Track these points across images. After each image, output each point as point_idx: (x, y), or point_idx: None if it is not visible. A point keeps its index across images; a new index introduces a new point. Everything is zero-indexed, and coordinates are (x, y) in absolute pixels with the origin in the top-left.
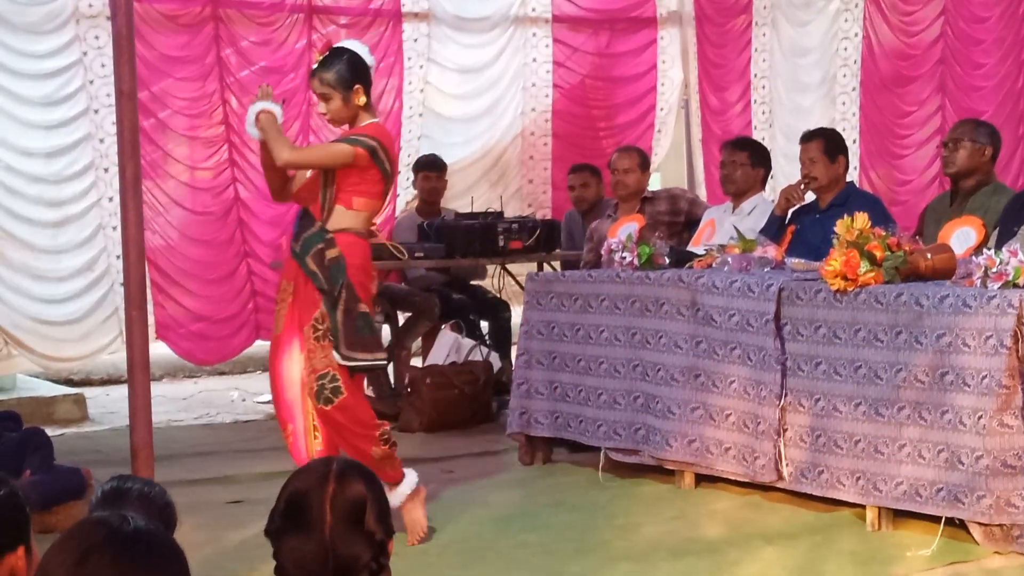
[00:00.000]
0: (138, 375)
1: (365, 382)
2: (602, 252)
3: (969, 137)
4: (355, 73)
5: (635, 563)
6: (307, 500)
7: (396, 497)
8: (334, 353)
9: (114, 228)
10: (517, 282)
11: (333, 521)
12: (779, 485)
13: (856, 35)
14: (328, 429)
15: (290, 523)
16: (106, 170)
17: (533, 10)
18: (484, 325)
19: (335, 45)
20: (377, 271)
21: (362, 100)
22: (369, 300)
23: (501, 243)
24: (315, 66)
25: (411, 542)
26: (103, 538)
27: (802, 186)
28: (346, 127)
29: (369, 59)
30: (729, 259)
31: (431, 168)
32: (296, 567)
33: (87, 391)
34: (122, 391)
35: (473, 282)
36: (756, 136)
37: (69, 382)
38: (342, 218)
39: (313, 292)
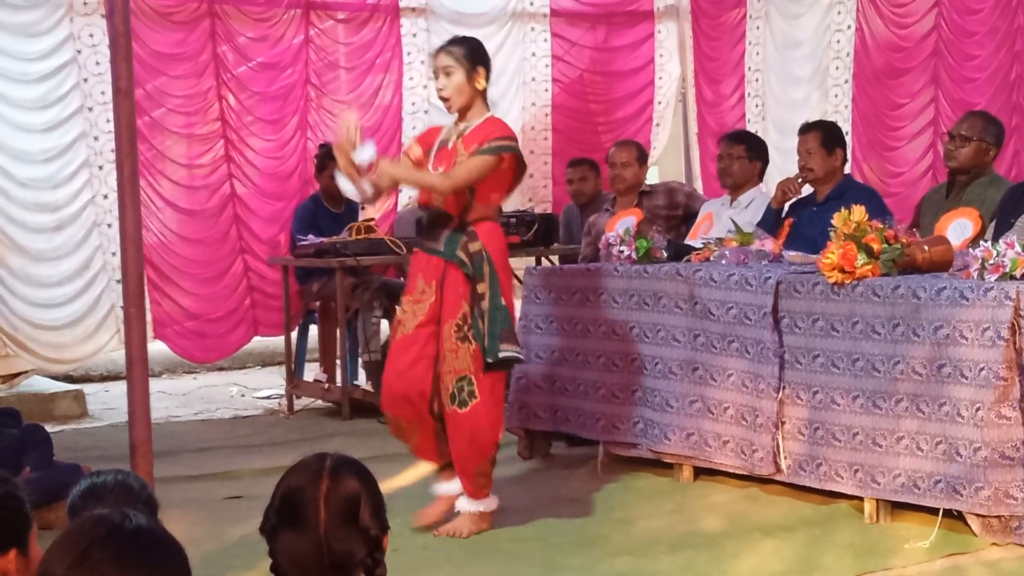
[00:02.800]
0: (137, 372)
1: (428, 381)
2: (600, 246)
3: (978, 136)
4: (480, 56)
5: (634, 556)
6: (301, 497)
7: (469, 505)
8: (484, 353)
9: (109, 225)
10: (515, 276)
11: (327, 518)
12: (777, 478)
13: (849, 27)
14: (450, 431)
15: (285, 520)
16: (100, 168)
17: (531, 4)
18: None
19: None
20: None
21: (482, 84)
22: (509, 289)
23: None
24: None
25: (437, 531)
26: (104, 535)
27: (799, 179)
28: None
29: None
30: (727, 252)
31: None
32: (291, 564)
33: (86, 387)
34: (121, 387)
35: None
36: (749, 129)
37: (69, 378)
38: (479, 210)
39: (458, 292)
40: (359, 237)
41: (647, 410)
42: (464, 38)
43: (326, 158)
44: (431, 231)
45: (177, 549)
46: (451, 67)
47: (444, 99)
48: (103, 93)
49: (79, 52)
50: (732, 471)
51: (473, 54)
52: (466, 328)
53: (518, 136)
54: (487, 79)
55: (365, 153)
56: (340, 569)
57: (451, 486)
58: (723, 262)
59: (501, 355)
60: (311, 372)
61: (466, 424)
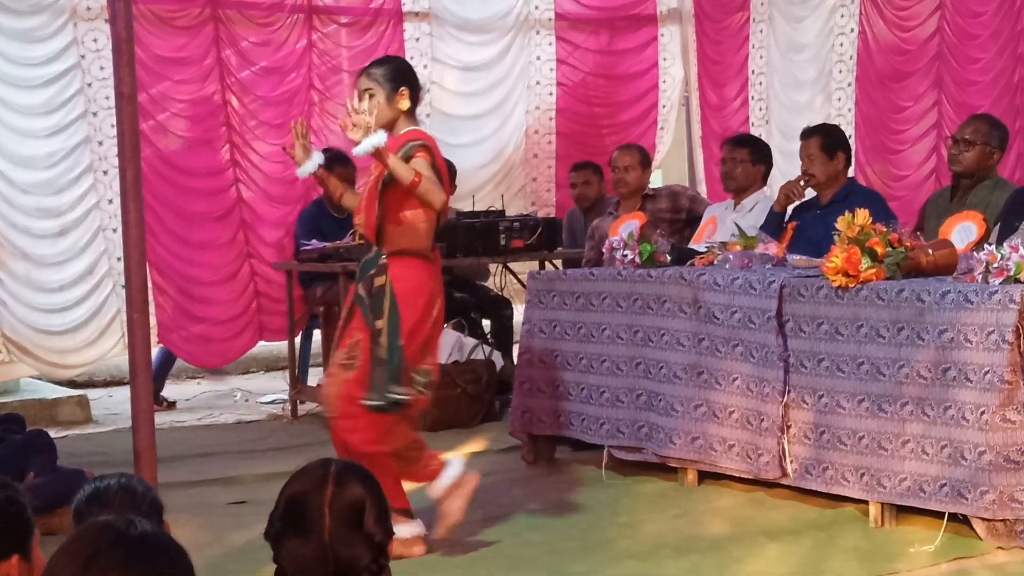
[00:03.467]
0: (140, 377)
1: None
2: (603, 250)
3: (983, 140)
4: (403, 76)
5: (639, 561)
6: (306, 503)
7: (435, 491)
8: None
9: (114, 230)
10: (519, 280)
11: (332, 524)
12: (783, 482)
13: (852, 31)
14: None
15: (289, 526)
16: (105, 172)
17: (536, 8)
18: (486, 324)
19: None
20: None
21: (405, 105)
22: (417, 327)
23: (503, 242)
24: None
25: (438, 533)
26: (110, 541)
27: (801, 183)
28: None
29: (422, 78)
30: (730, 256)
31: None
32: (296, 570)
33: (90, 393)
34: (125, 392)
35: (476, 282)
36: (753, 133)
37: (72, 384)
38: (395, 236)
39: (359, 322)
40: (363, 242)
41: (652, 414)
42: (387, 59)
43: (332, 162)
44: (363, 266)
45: (182, 555)
46: (371, 89)
47: (355, 122)
48: (107, 98)
49: (82, 57)
50: (737, 475)
51: (395, 74)
52: (355, 355)
53: (522, 139)
54: (414, 99)
55: (312, 163)
56: (345, 574)
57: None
58: (727, 266)
59: (390, 397)
60: (315, 377)
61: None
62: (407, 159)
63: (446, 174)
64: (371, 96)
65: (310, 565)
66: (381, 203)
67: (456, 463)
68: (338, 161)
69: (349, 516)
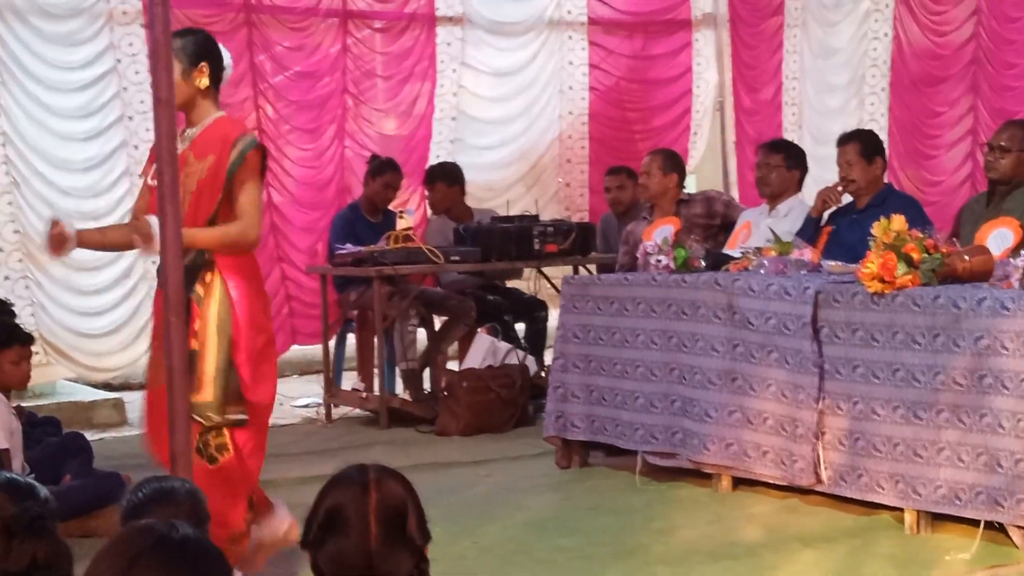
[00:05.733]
0: (177, 380)
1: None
2: (638, 255)
3: (1019, 147)
4: (204, 51)
5: (672, 567)
6: (349, 510)
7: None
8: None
9: None
10: (553, 285)
11: (377, 530)
12: (817, 488)
13: (886, 35)
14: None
15: (331, 533)
16: (141, 177)
17: (568, 13)
18: (519, 327)
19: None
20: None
21: (204, 82)
22: (256, 329)
23: (537, 246)
24: None
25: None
26: (151, 544)
27: (839, 188)
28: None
29: (226, 57)
30: (765, 262)
31: (435, 180)
32: None
33: (126, 395)
34: None
35: (509, 284)
36: (786, 137)
37: (108, 387)
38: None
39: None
40: (397, 246)
41: (686, 420)
42: (187, 31)
43: (383, 167)
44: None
45: (222, 560)
46: None
47: None
48: (142, 102)
49: (119, 61)
50: (771, 481)
51: (195, 47)
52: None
53: (555, 144)
54: (215, 77)
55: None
56: None
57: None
58: (762, 271)
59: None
60: (349, 381)
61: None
62: (242, 159)
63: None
64: None
65: (354, 572)
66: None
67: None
68: (387, 168)
69: (393, 522)
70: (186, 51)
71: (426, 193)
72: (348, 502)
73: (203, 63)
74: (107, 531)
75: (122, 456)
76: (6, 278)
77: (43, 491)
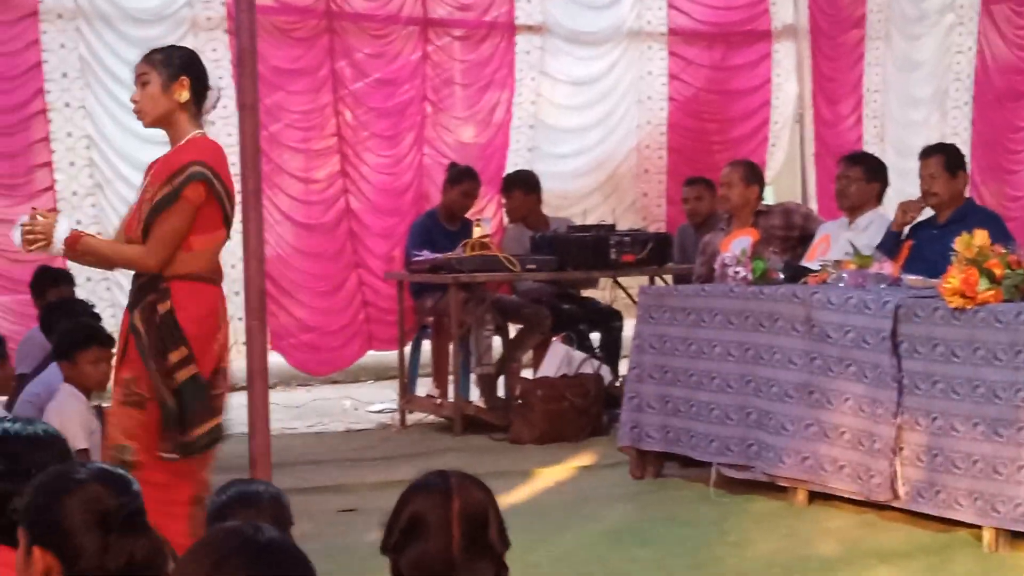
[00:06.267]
0: (257, 384)
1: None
2: (715, 266)
3: None
4: (186, 66)
5: None
6: (432, 517)
7: None
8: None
9: (230, 238)
10: (629, 295)
11: (460, 537)
12: (894, 504)
13: (970, 49)
14: None
15: (413, 539)
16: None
17: (648, 23)
18: (594, 336)
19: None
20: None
21: (184, 96)
22: (209, 358)
23: (613, 256)
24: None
25: None
26: (237, 546)
27: (921, 203)
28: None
29: (215, 80)
30: (844, 275)
31: (501, 190)
32: None
33: None
34: (235, 399)
35: (583, 293)
36: (868, 150)
37: None
38: (181, 262)
39: (135, 353)
40: (473, 253)
41: (762, 433)
42: (173, 46)
43: (462, 175)
44: (134, 278)
45: (307, 564)
46: (146, 75)
47: (137, 113)
48: (224, 107)
49: None
50: (848, 496)
51: (176, 61)
52: (135, 391)
53: (633, 154)
54: (196, 92)
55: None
56: None
57: None
58: (841, 285)
59: (199, 440)
60: (424, 387)
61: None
62: (176, 196)
63: (232, 194)
64: (145, 84)
65: None
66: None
67: None
68: (466, 176)
69: (475, 529)
70: (166, 64)
71: (503, 201)
72: (431, 508)
73: (183, 76)
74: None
75: None
76: (88, 279)
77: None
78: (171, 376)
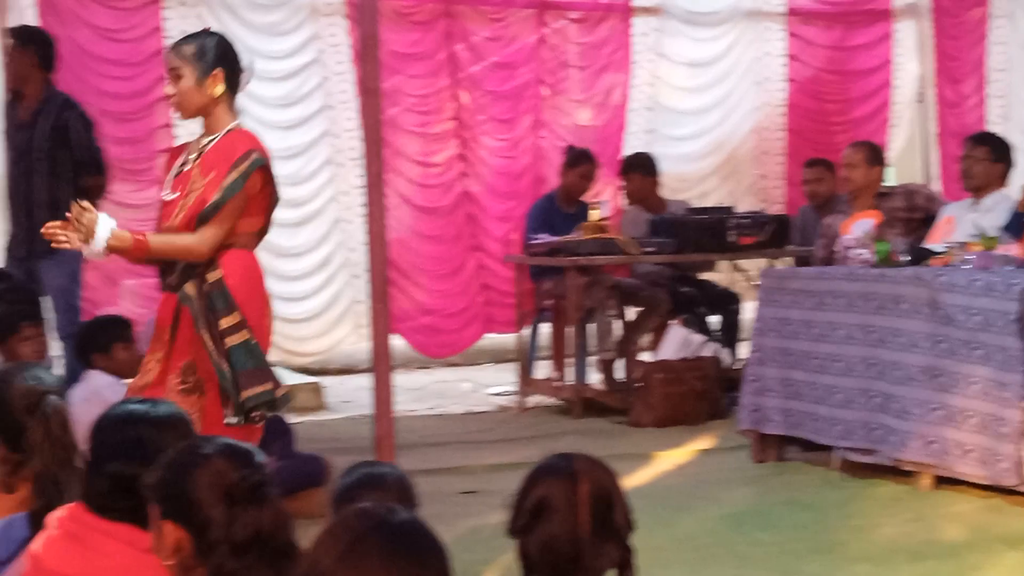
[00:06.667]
0: (381, 366)
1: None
2: (836, 249)
3: None
4: (219, 57)
5: (873, 565)
6: (559, 500)
7: None
8: (229, 410)
9: (350, 222)
10: (748, 277)
11: (588, 520)
12: (1021, 489)
13: None
14: None
15: (540, 522)
16: (341, 165)
17: (767, 3)
18: (713, 319)
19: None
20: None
21: (219, 90)
22: (259, 324)
23: (732, 238)
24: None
25: None
26: (372, 527)
27: None
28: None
29: (245, 59)
30: (970, 257)
31: (622, 171)
32: (545, 564)
33: (323, 380)
34: (356, 381)
35: (701, 276)
36: (992, 130)
37: (306, 371)
38: (226, 237)
39: (187, 336)
40: (591, 236)
41: (886, 416)
42: (202, 33)
43: (580, 158)
44: (170, 263)
45: (440, 546)
46: (179, 69)
47: (174, 106)
48: (343, 92)
49: (321, 52)
50: (974, 481)
51: (209, 54)
52: (193, 377)
53: (751, 136)
54: (231, 82)
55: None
56: (592, 571)
57: None
58: (966, 267)
59: (246, 403)
60: (543, 369)
61: None
62: (244, 181)
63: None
64: (178, 79)
65: (561, 560)
66: (216, 208)
67: None
68: (584, 159)
69: (601, 512)
70: (199, 57)
71: (622, 183)
72: (558, 491)
73: (217, 69)
74: (309, 513)
75: (322, 440)
76: None
77: (260, 456)
78: (222, 341)
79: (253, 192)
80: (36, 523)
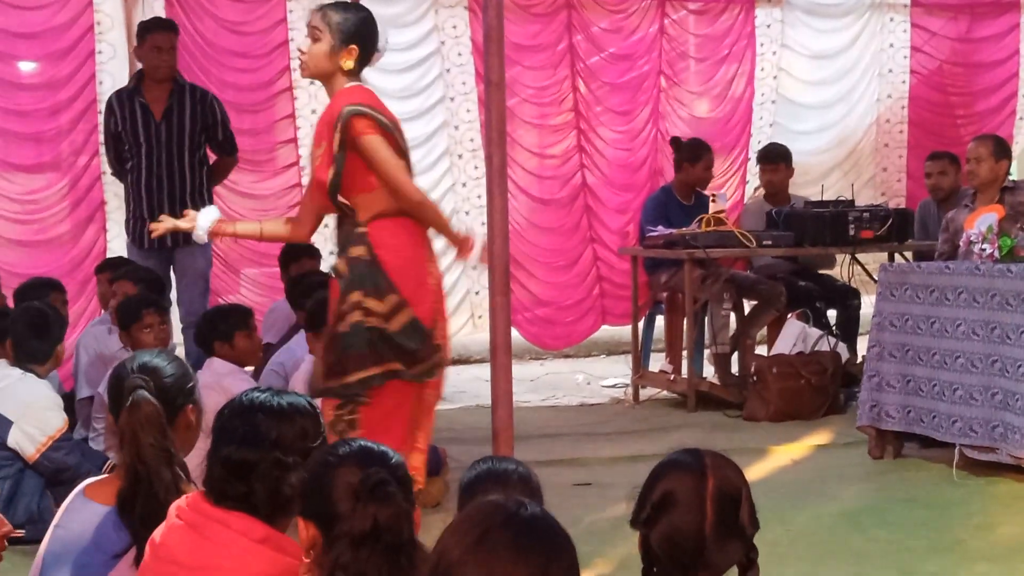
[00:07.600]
0: (501, 358)
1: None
2: (959, 243)
3: None
4: (358, 34)
5: (993, 564)
6: (686, 495)
7: None
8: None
9: (467, 213)
10: (867, 272)
11: (714, 517)
12: None
13: None
14: None
15: (664, 515)
16: (460, 156)
17: None
18: (831, 314)
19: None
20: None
21: (349, 64)
22: (420, 298)
23: (851, 232)
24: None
25: None
26: (502, 520)
27: None
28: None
29: (383, 38)
30: None
31: (768, 160)
32: (668, 558)
33: None
34: (471, 371)
35: (821, 271)
36: None
37: None
38: (365, 203)
39: (331, 309)
40: (709, 229)
41: (1007, 414)
42: (353, 5)
43: (702, 150)
44: (338, 235)
45: (569, 541)
46: (319, 32)
47: (300, 63)
48: (464, 83)
49: (442, 43)
50: None
51: (352, 27)
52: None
53: (872, 128)
54: (361, 61)
55: (206, 221)
56: (714, 567)
57: None
58: None
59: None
60: (657, 362)
61: None
62: (342, 143)
63: (399, 125)
64: (316, 40)
65: (685, 556)
66: (338, 176)
67: None
68: (706, 151)
69: (727, 510)
70: (341, 28)
71: (766, 172)
72: (685, 486)
73: (353, 45)
74: (427, 502)
75: (437, 430)
76: (330, 253)
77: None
78: (343, 319)
79: (363, 130)
80: (123, 513)
